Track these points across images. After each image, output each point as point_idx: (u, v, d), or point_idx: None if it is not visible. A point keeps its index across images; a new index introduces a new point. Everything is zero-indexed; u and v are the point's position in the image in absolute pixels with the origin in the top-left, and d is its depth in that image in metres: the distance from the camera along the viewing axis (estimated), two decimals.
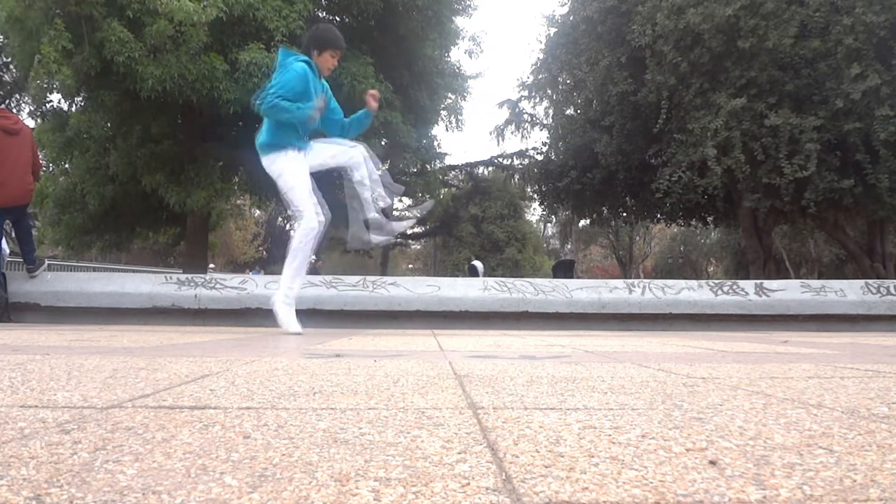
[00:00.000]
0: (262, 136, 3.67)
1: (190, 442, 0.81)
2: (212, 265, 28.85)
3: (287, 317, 3.65)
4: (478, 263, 18.53)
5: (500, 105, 19.79)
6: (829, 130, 10.55)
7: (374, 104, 3.87)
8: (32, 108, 10.25)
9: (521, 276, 11.04)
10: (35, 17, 7.57)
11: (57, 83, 7.57)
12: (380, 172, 3.91)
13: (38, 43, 7.45)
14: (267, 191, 11.80)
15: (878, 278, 11.16)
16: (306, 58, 3.66)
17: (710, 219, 16.47)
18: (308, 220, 3.56)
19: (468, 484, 0.64)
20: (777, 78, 10.88)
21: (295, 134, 3.63)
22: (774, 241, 17.02)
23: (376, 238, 3.92)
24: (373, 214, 3.80)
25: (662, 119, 11.94)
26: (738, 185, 11.74)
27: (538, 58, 16.34)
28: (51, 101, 10.30)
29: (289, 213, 3.74)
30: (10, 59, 11.53)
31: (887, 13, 10.05)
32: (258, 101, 3.51)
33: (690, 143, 11.57)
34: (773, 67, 10.83)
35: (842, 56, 10.28)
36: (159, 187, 9.44)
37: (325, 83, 3.84)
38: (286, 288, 3.70)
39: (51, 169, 11.78)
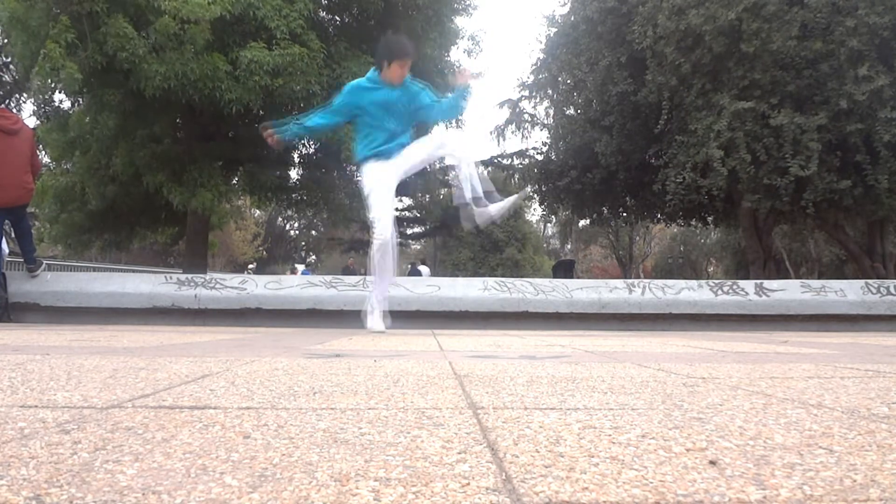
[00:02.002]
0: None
1: (190, 442, 0.81)
2: (251, 266, 28.80)
3: (372, 320, 3.92)
4: (424, 268, 17.76)
5: (501, 105, 19.79)
6: (830, 131, 10.55)
7: (462, 79, 3.94)
8: (35, 108, 10.23)
9: (521, 276, 11.03)
10: (37, 16, 7.57)
11: (61, 80, 7.54)
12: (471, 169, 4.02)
13: (42, 41, 7.45)
14: (266, 191, 11.80)
15: (878, 278, 11.15)
16: (371, 73, 3.89)
17: (710, 219, 16.46)
18: (380, 229, 3.73)
19: (468, 484, 0.64)
20: (779, 79, 10.88)
21: (370, 146, 3.86)
22: (774, 241, 17.01)
23: (468, 224, 4.10)
24: (463, 201, 3.89)
25: (664, 120, 11.93)
26: (740, 186, 11.74)
27: (538, 58, 16.34)
28: (53, 100, 10.30)
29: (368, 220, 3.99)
30: (9, 59, 11.51)
31: (890, 14, 10.04)
32: None
33: (692, 144, 11.57)
34: (776, 68, 10.83)
35: (844, 58, 10.27)
36: (162, 187, 9.44)
37: (401, 90, 3.88)
38: (375, 297, 3.97)
39: (51, 168, 11.79)
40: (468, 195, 3.81)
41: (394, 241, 3.83)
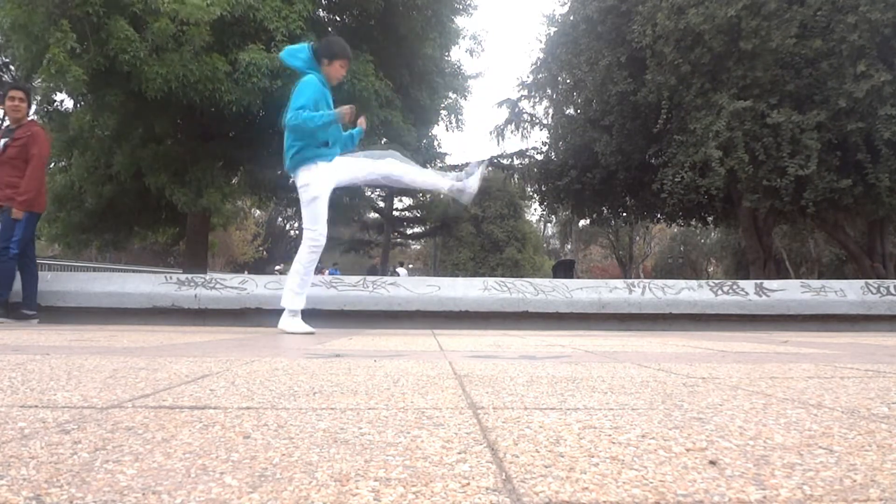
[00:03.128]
0: (290, 152, 3.74)
1: (190, 442, 0.81)
2: (278, 267, 28.83)
3: (294, 326, 3.75)
4: (401, 270, 18.03)
5: (500, 105, 19.78)
6: (830, 130, 10.55)
7: (363, 123, 4.12)
8: (36, 108, 10.21)
9: (521, 276, 11.03)
10: (39, 20, 7.58)
11: (71, 79, 7.54)
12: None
13: (44, 45, 7.46)
14: (267, 191, 11.79)
15: (878, 278, 11.16)
16: (314, 69, 3.80)
17: (710, 219, 16.47)
18: (319, 234, 3.71)
19: (468, 484, 0.64)
20: (778, 77, 10.88)
21: (323, 147, 3.74)
22: (774, 241, 17.01)
23: (465, 199, 4.13)
24: (448, 187, 3.98)
25: (663, 119, 11.93)
26: (739, 185, 11.74)
27: (538, 57, 16.35)
28: (55, 101, 10.31)
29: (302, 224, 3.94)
30: (9, 60, 11.52)
31: (892, 10, 10.03)
32: (287, 121, 3.65)
33: (691, 144, 11.57)
34: (776, 66, 10.83)
35: (846, 54, 10.27)
36: (165, 188, 9.44)
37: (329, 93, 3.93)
38: (291, 300, 3.77)
39: (49, 167, 11.78)
40: (445, 187, 3.95)
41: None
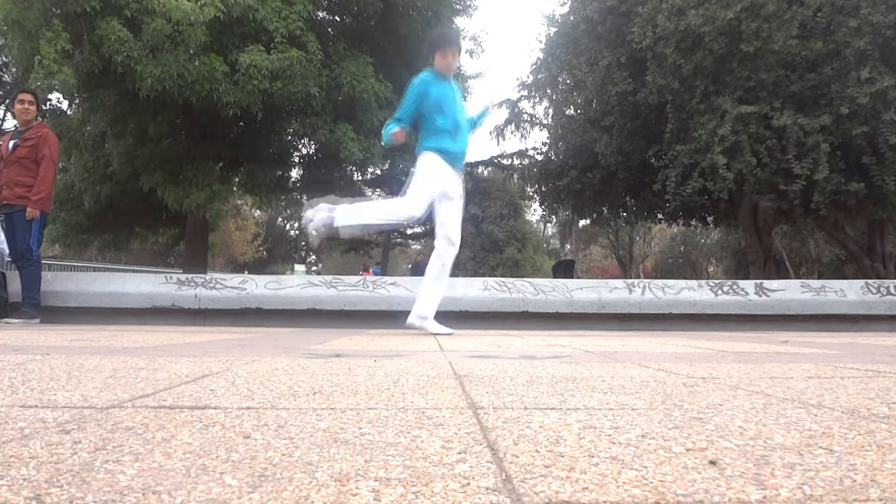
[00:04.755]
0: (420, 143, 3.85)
1: (190, 442, 0.81)
2: (315, 268, 28.93)
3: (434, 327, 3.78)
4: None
5: (500, 105, 19.75)
6: (833, 133, 10.54)
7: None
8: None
9: (521, 276, 11.03)
10: (34, 17, 7.57)
11: (57, 83, 7.54)
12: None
13: (37, 43, 7.46)
14: (267, 192, 11.78)
15: (878, 278, 11.16)
16: (426, 70, 3.89)
17: (710, 219, 16.47)
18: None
19: (468, 484, 0.64)
20: (782, 79, 10.86)
21: (449, 142, 3.78)
22: (774, 241, 17.01)
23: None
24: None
25: (671, 125, 11.89)
26: (744, 188, 11.71)
27: (538, 58, 16.36)
28: (50, 100, 10.33)
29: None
30: (9, 59, 11.54)
31: (894, 12, 10.02)
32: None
33: (696, 150, 11.51)
34: (779, 67, 10.81)
35: (852, 59, 10.24)
36: (157, 187, 9.45)
37: (454, 85, 3.98)
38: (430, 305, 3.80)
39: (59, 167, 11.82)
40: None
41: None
